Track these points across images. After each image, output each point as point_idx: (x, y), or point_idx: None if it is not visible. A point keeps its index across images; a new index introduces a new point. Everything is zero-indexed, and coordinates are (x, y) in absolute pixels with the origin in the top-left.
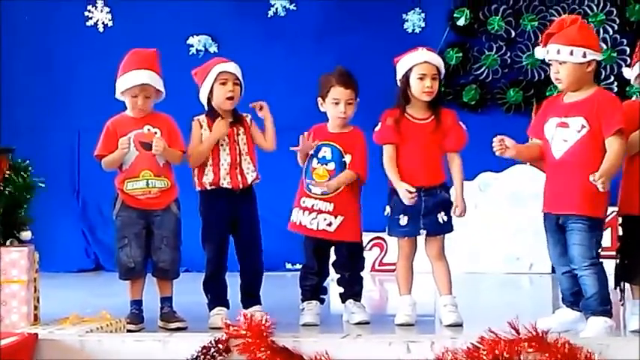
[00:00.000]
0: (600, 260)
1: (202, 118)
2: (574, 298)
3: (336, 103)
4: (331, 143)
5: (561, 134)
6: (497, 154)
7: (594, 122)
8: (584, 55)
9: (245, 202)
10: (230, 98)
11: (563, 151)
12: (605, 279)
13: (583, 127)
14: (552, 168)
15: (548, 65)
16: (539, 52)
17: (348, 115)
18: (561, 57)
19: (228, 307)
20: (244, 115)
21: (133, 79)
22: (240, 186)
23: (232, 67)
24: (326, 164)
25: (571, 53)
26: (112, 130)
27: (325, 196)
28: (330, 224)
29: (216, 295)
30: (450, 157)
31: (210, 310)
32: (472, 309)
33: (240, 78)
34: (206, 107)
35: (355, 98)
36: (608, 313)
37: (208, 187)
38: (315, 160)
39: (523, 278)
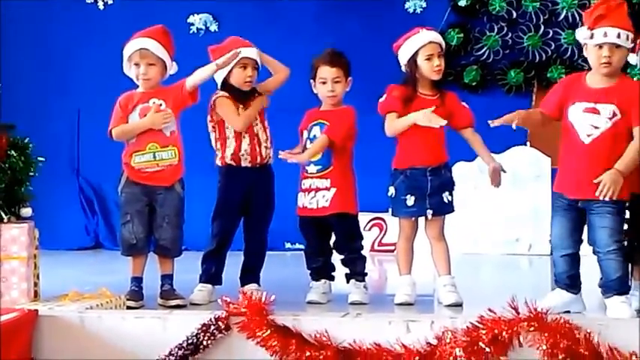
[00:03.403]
0: (624, 243)
1: (227, 95)
2: (570, 280)
3: (324, 83)
4: (320, 120)
5: (590, 120)
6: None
7: (625, 110)
8: (632, 41)
9: (262, 180)
10: (248, 83)
11: (594, 137)
12: (625, 261)
13: (615, 114)
14: (580, 153)
15: (580, 46)
16: (584, 33)
17: (337, 92)
18: (620, 41)
19: (219, 284)
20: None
21: (133, 45)
22: (258, 159)
23: (254, 53)
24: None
25: (627, 38)
26: (121, 105)
27: (320, 173)
28: (327, 200)
29: (208, 271)
30: (466, 134)
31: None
32: (471, 290)
33: (259, 63)
34: (220, 84)
35: (345, 76)
36: (627, 292)
37: (228, 161)
38: (308, 141)
39: (522, 259)
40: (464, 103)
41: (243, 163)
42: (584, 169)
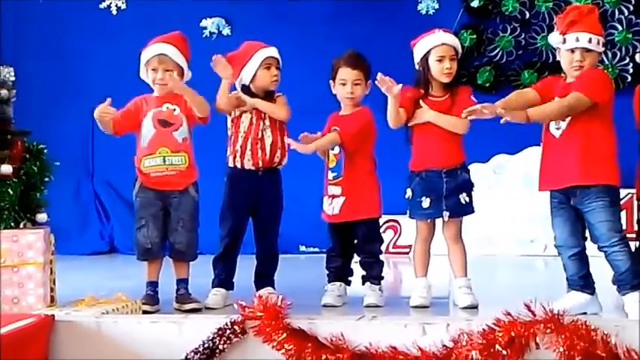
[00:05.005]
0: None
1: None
2: (583, 281)
3: (343, 84)
4: (335, 127)
5: None
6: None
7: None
8: (603, 45)
9: (268, 183)
10: (275, 82)
11: (563, 129)
12: (631, 252)
13: None
14: (554, 147)
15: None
16: (556, 38)
17: (357, 95)
18: (592, 46)
19: (230, 289)
20: (277, 94)
21: (152, 50)
22: (260, 163)
23: (276, 52)
24: (332, 149)
25: (598, 43)
26: (134, 104)
27: (335, 181)
28: (338, 207)
29: (219, 275)
30: None
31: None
32: (487, 291)
33: (280, 62)
34: (240, 88)
35: (365, 79)
36: None
37: (232, 164)
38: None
39: (537, 260)
40: (473, 99)
41: (247, 166)
42: (560, 160)
